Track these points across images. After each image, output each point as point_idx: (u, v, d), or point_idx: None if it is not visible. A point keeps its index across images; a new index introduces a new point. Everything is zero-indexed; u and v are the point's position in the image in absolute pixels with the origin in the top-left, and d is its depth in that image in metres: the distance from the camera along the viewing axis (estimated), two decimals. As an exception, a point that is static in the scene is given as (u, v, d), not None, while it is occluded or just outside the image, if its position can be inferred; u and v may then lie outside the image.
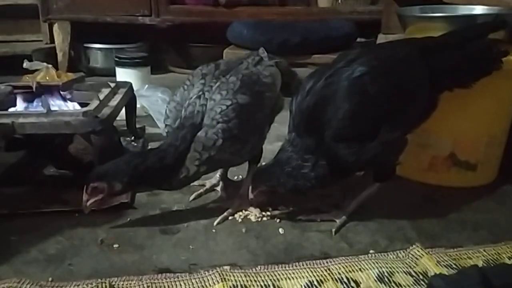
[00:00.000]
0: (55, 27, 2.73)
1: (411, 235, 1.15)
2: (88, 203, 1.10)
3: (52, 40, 2.80)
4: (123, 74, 2.09)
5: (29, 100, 1.44)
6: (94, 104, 1.30)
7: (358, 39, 2.53)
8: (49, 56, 2.69)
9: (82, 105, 1.40)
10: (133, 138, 1.65)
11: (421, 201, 1.33)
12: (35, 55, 2.57)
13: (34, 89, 1.44)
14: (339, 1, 2.90)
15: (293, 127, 1.15)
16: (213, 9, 2.75)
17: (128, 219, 1.20)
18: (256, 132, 1.20)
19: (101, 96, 1.37)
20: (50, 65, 2.04)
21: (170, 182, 1.15)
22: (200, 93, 1.16)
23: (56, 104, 1.42)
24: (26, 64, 1.90)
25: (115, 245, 1.09)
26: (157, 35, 2.95)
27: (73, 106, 1.44)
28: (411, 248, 1.06)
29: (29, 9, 2.77)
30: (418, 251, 1.05)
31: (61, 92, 1.46)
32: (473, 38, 1.24)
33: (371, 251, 1.08)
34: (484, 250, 1.08)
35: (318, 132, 1.11)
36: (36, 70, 2.00)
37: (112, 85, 1.50)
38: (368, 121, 1.11)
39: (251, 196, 1.18)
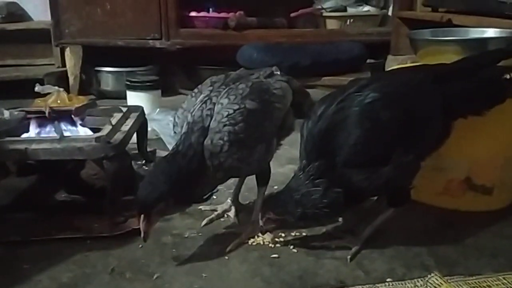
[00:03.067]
0: (67, 51, 2.77)
1: (428, 262, 1.13)
2: (149, 232, 1.09)
3: (63, 64, 2.82)
4: (134, 98, 2.11)
5: (41, 125, 1.44)
6: (106, 129, 1.30)
7: (368, 61, 2.54)
8: (61, 79, 2.71)
9: (94, 130, 1.40)
10: (144, 161, 1.65)
11: (437, 226, 1.31)
12: (47, 79, 2.60)
13: (47, 115, 1.44)
14: (348, 23, 2.91)
15: (304, 153, 1.14)
16: (222, 32, 2.77)
17: (140, 245, 1.19)
18: (263, 140, 1.18)
19: (113, 121, 1.37)
20: (61, 89, 2.05)
21: (198, 188, 1.15)
22: (207, 98, 1.16)
23: (69, 129, 1.43)
24: (38, 88, 1.91)
25: (127, 274, 1.08)
26: (167, 58, 2.97)
27: (84, 132, 1.44)
28: (429, 276, 1.04)
29: (41, 34, 2.81)
30: (437, 279, 1.02)
31: (73, 117, 1.47)
32: (486, 65, 1.23)
33: (388, 279, 1.05)
34: (504, 278, 1.05)
35: (330, 157, 1.09)
36: (48, 93, 2.01)
37: (124, 109, 1.50)
38: (380, 147, 1.10)
39: (261, 223, 1.16)
